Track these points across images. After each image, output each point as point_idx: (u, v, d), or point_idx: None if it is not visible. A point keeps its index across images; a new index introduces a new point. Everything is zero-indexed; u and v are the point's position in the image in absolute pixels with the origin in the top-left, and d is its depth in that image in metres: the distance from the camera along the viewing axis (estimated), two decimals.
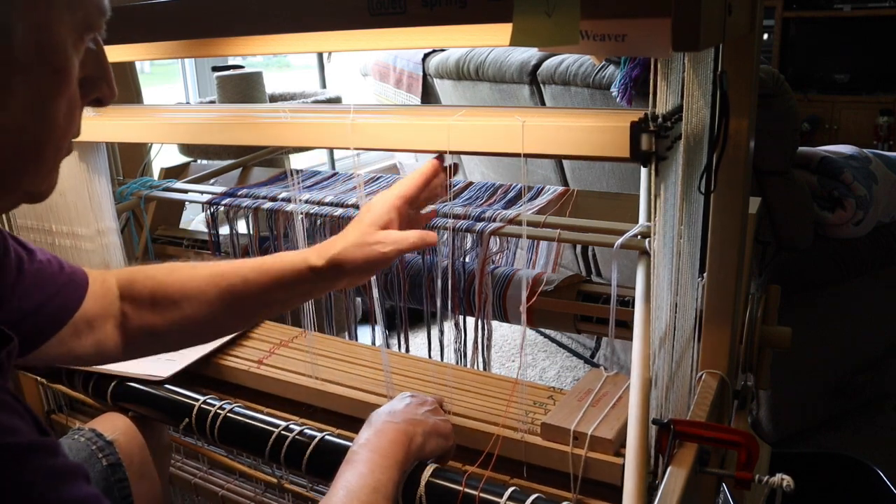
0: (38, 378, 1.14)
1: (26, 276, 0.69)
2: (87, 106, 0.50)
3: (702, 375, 0.89)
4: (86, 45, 0.46)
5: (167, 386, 0.99)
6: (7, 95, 0.41)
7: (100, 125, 1.05)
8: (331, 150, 2.90)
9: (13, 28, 0.40)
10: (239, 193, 1.22)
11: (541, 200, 1.11)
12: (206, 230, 1.34)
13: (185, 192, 1.30)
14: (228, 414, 0.92)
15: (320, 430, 0.87)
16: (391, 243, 0.75)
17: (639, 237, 0.85)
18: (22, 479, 0.38)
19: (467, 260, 1.10)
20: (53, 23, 0.42)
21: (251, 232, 1.27)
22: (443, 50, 2.13)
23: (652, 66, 0.64)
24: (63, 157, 0.49)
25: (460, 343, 1.13)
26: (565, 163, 1.81)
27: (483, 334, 1.10)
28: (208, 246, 1.33)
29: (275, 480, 1.00)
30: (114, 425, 0.95)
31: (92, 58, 0.48)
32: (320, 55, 2.96)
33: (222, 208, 1.23)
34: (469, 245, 1.09)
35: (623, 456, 0.76)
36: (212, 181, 1.41)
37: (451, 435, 0.81)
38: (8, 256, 0.67)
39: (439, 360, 1.11)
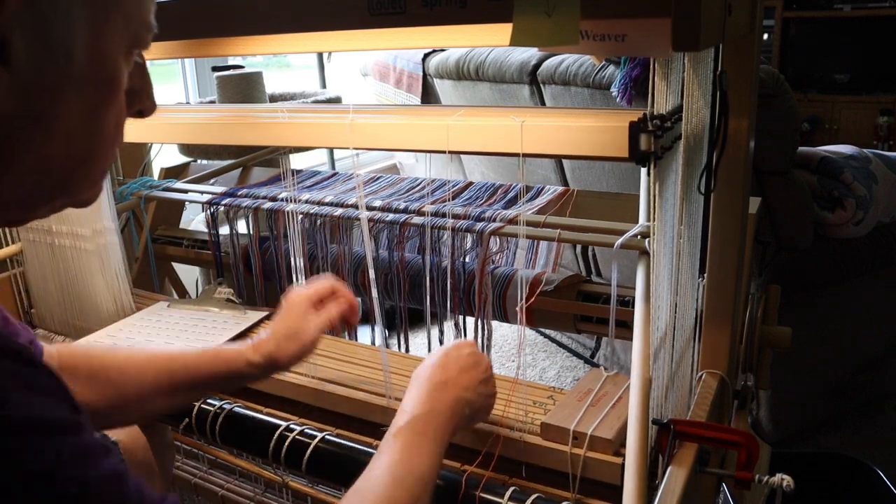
0: None
1: None
2: (130, 117, 0.52)
3: (702, 375, 0.89)
4: (133, 59, 0.49)
5: None
6: (62, 104, 0.43)
7: None
8: (331, 150, 2.90)
9: (73, 41, 0.42)
10: (239, 193, 1.22)
11: (541, 200, 1.11)
12: (206, 230, 1.34)
13: (185, 192, 1.30)
14: (228, 414, 0.92)
15: (320, 430, 0.87)
16: (315, 329, 0.85)
17: (639, 237, 0.85)
18: (48, 458, 0.39)
19: (467, 260, 1.10)
20: (108, 37, 0.44)
21: (251, 232, 1.27)
22: (443, 50, 2.13)
23: (651, 66, 0.64)
24: (109, 165, 0.51)
25: None
26: (565, 163, 1.81)
27: (483, 334, 1.10)
28: (208, 246, 1.34)
29: (279, 479, 1.00)
30: None
31: (137, 71, 0.50)
32: (320, 55, 2.96)
33: (222, 208, 1.23)
34: (469, 245, 1.09)
35: (623, 456, 0.76)
36: (212, 181, 1.41)
37: (492, 407, 0.80)
38: None
39: None
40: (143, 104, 0.52)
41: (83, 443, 0.42)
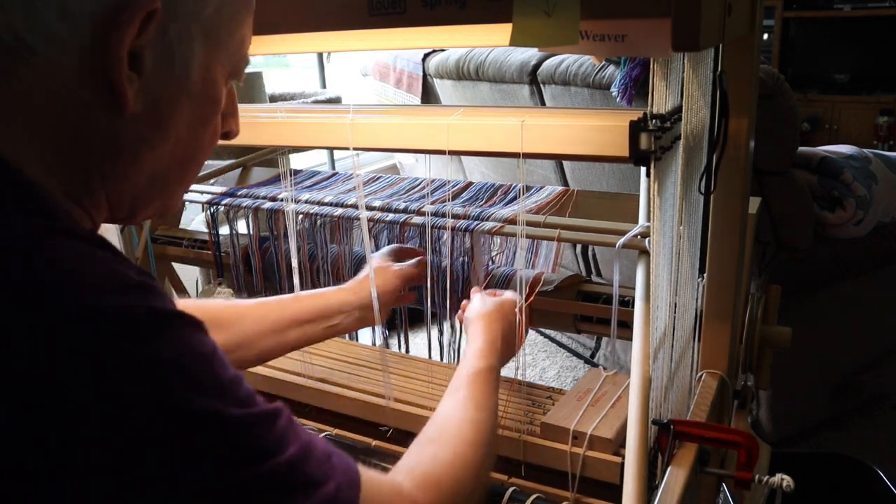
0: None
1: None
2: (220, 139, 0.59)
3: (702, 375, 0.89)
4: (228, 85, 0.56)
5: None
6: (178, 114, 0.51)
7: None
8: (331, 150, 2.90)
9: (192, 65, 0.50)
10: (239, 193, 1.22)
11: (539, 196, 1.11)
12: (206, 230, 1.34)
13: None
14: None
15: (320, 431, 0.87)
16: (398, 275, 0.97)
17: (639, 237, 0.85)
18: (204, 349, 0.45)
19: (467, 260, 1.10)
20: (216, 66, 0.53)
21: (251, 232, 1.27)
22: (443, 50, 2.13)
23: (651, 66, 0.64)
24: (197, 174, 0.59)
25: (460, 343, 1.13)
26: (565, 163, 1.81)
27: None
28: (208, 246, 1.33)
29: None
30: None
31: (230, 97, 0.57)
32: (320, 55, 2.96)
33: (222, 208, 1.23)
34: (469, 245, 1.09)
35: (622, 455, 0.76)
36: (212, 181, 1.41)
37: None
38: None
39: (439, 360, 1.11)
40: (230, 126, 0.59)
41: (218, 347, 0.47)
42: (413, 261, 1.01)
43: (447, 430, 0.66)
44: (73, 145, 0.47)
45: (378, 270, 0.95)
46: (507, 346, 0.83)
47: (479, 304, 0.87)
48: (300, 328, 0.90)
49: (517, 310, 0.88)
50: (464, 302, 0.93)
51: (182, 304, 0.84)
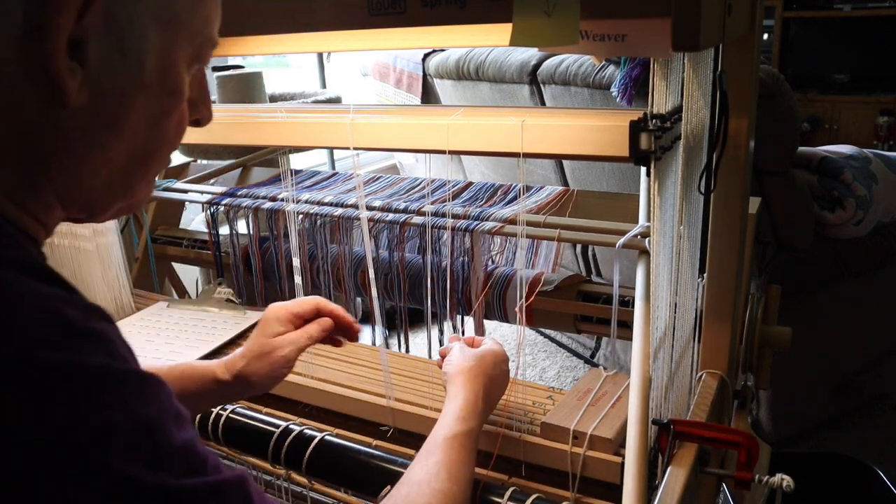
0: None
1: None
2: (189, 126, 0.55)
3: (702, 375, 0.89)
4: (193, 70, 0.51)
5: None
6: (132, 108, 0.47)
7: None
8: (331, 150, 2.90)
9: (145, 53, 0.46)
10: (239, 193, 1.22)
11: (539, 196, 1.11)
12: (206, 230, 1.34)
13: (185, 192, 1.30)
14: (229, 414, 0.92)
15: (320, 430, 0.87)
16: (288, 344, 0.80)
17: (639, 237, 0.85)
18: (149, 412, 0.40)
19: (467, 260, 1.10)
20: (175, 51, 0.48)
21: (251, 232, 1.27)
22: (443, 50, 2.13)
23: (651, 66, 0.64)
24: (164, 167, 0.54)
25: None
26: (565, 163, 1.81)
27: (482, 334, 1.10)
28: (208, 246, 1.34)
29: (282, 472, 1.00)
30: None
31: (196, 82, 0.53)
32: (320, 55, 2.96)
33: (222, 208, 1.23)
34: (469, 245, 1.09)
35: (622, 455, 0.76)
36: (212, 181, 1.41)
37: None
38: None
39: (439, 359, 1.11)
40: (200, 113, 0.55)
41: (176, 406, 0.43)
42: (313, 325, 0.83)
43: (415, 501, 0.63)
44: (13, 143, 0.43)
45: (269, 334, 0.81)
46: (488, 403, 0.77)
47: (458, 356, 0.80)
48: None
49: (503, 357, 0.82)
50: (441, 349, 0.87)
51: None
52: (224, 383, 0.80)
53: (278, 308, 0.83)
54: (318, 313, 0.84)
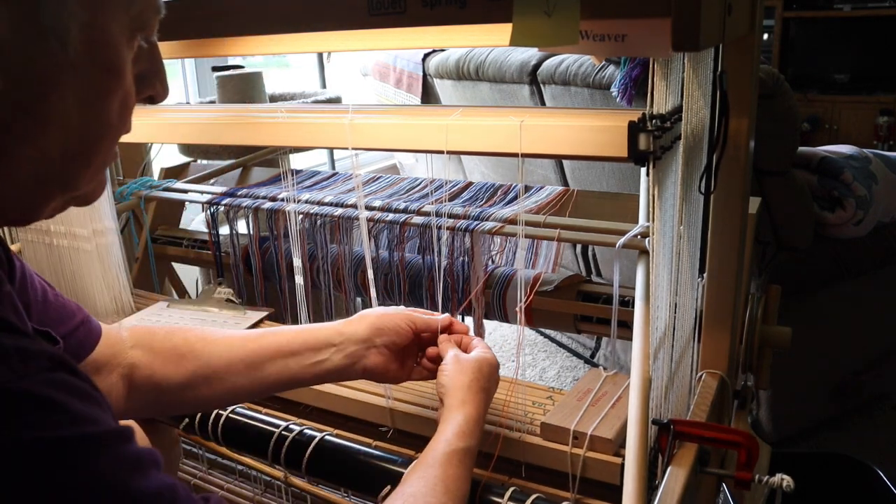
0: None
1: (50, 307, 0.67)
2: (140, 103, 0.49)
3: (702, 375, 0.89)
4: (138, 42, 0.45)
5: None
6: (58, 93, 0.41)
7: None
8: (330, 150, 2.90)
9: (65, 28, 0.40)
10: (239, 193, 1.22)
11: (539, 196, 1.11)
12: (206, 230, 1.34)
13: (185, 192, 1.30)
14: (229, 414, 0.92)
15: (320, 430, 0.87)
16: (406, 373, 0.82)
17: (639, 237, 0.85)
18: (99, 470, 0.38)
19: (467, 260, 1.10)
20: (107, 22, 0.42)
21: (251, 232, 1.27)
22: (443, 50, 2.13)
23: (651, 66, 0.64)
24: (111, 157, 0.48)
25: None
26: (565, 163, 1.81)
27: (482, 334, 1.10)
28: (208, 246, 1.33)
29: (280, 474, 1.00)
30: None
31: (146, 55, 0.47)
32: (320, 55, 2.96)
33: (222, 208, 1.23)
34: (469, 245, 1.09)
35: (622, 456, 0.75)
36: (212, 181, 1.41)
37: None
38: (31, 284, 0.65)
39: None
40: (154, 90, 0.49)
41: (136, 451, 0.41)
42: (433, 316, 0.83)
43: None
44: None
45: (382, 313, 0.80)
46: (485, 417, 0.76)
47: (455, 368, 0.77)
48: (280, 362, 0.76)
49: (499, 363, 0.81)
50: (430, 349, 0.83)
51: (137, 330, 0.77)
52: (333, 361, 0.78)
53: (409, 319, 0.80)
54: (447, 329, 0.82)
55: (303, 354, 0.77)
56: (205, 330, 0.80)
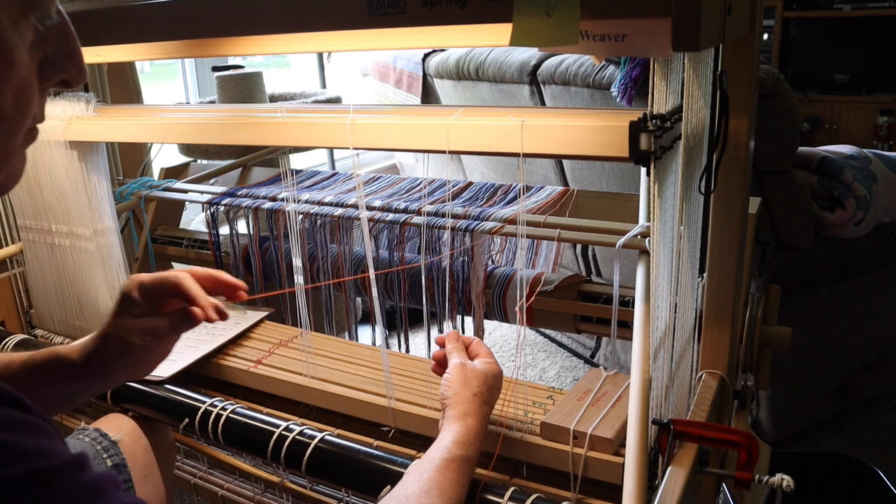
0: None
1: None
2: (54, 88, 0.45)
3: (702, 375, 0.89)
4: (32, 25, 0.41)
5: (167, 386, 0.99)
6: None
7: (99, 125, 1.04)
8: (331, 150, 2.90)
9: None
10: (239, 193, 1.22)
11: (539, 196, 1.11)
12: (206, 230, 1.34)
13: (185, 192, 1.30)
14: (229, 414, 0.92)
15: (320, 430, 0.87)
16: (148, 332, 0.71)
17: (639, 237, 0.85)
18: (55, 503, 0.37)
19: (467, 260, 1.10)
20: None
21: (251, 232, 1.27)
22: (443, 50, 2.13)
23: (651, 66, 0.64)
24: (22, 146, 0.44)
25: None
26: (565, 163, 1.81)
27: (481, 334, 1.10)
28: (208, 246, 1.34)
29: (277, 479, 1.00)
30: (119, 425, 0.95)
31: (52, 36, 0.42)
32: (320, 55, 2.96)
33: (222, 208, 1.23)
34: (469, 245, 1.09)
35: (623, 455, 0.76)
36: (212, 181, 1.41)
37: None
38: None
39: None
40: (67, 73, 0.44)
41: (92, 477, 0.40)
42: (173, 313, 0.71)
43: None
44: None
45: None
46: (486, 428, 0.77)
47: (459, 379, 0.77)
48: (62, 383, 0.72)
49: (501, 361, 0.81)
50: (436, 352, 0.83)
51: None
52: (70, 357, 0.71)
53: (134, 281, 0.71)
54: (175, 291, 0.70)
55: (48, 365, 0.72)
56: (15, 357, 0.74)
